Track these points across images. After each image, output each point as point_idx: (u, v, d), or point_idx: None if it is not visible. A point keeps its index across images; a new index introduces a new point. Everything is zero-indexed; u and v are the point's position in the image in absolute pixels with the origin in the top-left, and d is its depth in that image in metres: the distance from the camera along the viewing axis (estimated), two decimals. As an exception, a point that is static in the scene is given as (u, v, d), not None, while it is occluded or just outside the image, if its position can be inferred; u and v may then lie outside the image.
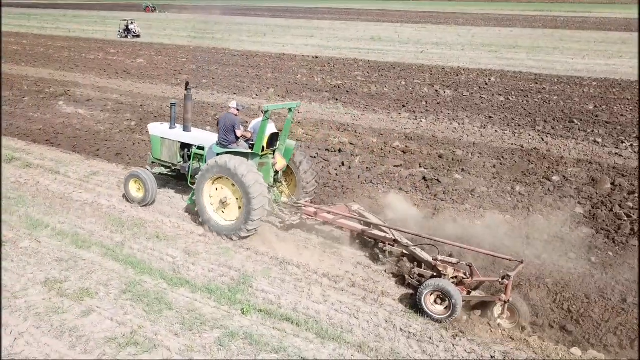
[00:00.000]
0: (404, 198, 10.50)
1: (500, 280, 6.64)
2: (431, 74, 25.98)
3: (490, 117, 17.48)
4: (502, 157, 13.24)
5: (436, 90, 21.88)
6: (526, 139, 14.98)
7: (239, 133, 9.14)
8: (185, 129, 10.33)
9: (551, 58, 33.31)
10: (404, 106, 19.14)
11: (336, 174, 12.00)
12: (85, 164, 12.56)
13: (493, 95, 21.08)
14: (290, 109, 9.48)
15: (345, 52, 35.31)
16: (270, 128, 9.15)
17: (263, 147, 8.95)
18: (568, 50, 37.56)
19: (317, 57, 31.99)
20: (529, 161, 12.93)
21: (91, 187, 11.14)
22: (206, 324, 6.55)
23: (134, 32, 44.38)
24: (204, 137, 10.17)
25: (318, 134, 15.30)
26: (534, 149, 13.94)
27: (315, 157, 13.05)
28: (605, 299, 7.20)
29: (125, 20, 46.01)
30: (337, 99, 20.39)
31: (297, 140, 13.27)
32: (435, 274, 7.12)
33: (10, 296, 6.99)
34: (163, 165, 10.67)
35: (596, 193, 10.84)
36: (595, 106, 18.97)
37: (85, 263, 7.91)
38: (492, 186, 11.21)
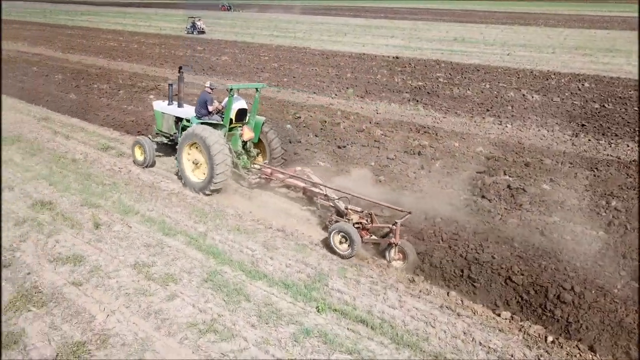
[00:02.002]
0: (488, 205, 10.10)
1: (390, 226, 8.22)
2: (518, 78, 24.83)
3: (583, 125, 16.41)
4: (596, 168, 12.38)
5: (523, 95, 20.88)
6: (624, 151, 13.92)
7: (210, 108, 10.96)
8: (179, 105, 12.11)
9: (654, 63, 30.74)
10: (488, 110, 18.44)
11: (415, 177, 11.76)
12: (173, 156, 13.16)
13: (587, 101, 19.78)
14: (257, 89, 11.49)
15: (427, 53, 34.62)
16: (239, 104, 11.01)
17: (232, 120, 10.87)
18: (674, 56, 34.50)
19: (397, 58, 31.60)
20: (627, 174, 12.00)
21: (177, 178, 11.67)
22: (282, 318, 6.65)
23: (199, 28, 47.51)
24: (193, 112, 11.52)
25: (397, 136, 15.09)
26: (633, 161, 12.92)
27: (393, 159, 12.90)
28: None
29: (193, 17, 49.41)
30: (417, 101, 20.02)
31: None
32: (345, 220, 8.65)
33: (104, 275, 7.48)
34: (164, 136, 12.62)
35: None
36: None
37: (170, 250, 8.30)
38: (584, 199, 10.51)
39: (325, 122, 16.56)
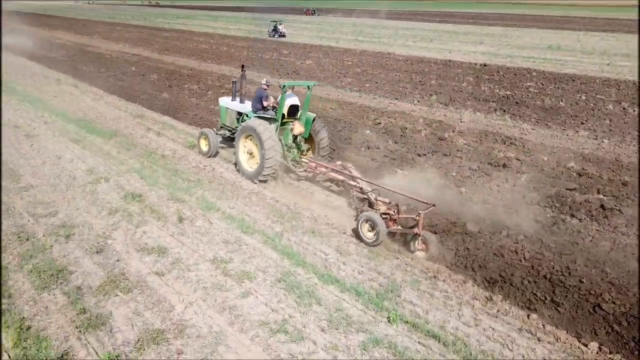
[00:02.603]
0: (577, 225, 9.46)
1: (414, 217, 8.59)
2: (618, 89, 23.06)
3: (692, 143, 14.94)
4: None
5: (624, 108, 19.36)
6: None
7: (265, 103, 11.88)
8: (241, 101, 12.96)
9: None
10: (582, 123, 17.29)
11: (498, 191, 11.27)
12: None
13: (697, 118, 17.99)
14: (308, 87, 11.97)
15: (517, 61, 33.13)
16: (291, 100, 11.61)
17: (284, 115, 11.59)
18: None
19: (485, 65, 30.52)
20: None
21: (235, 168, 11.94)
22: (352, 325, 6.60)
23: (280, 32, 49.46)
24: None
25: (481, 146, 14.55)
26: None
27: (475, 170, 12.45)
28: None
29: (275, 21, 51.29)
30: (504, 110, 19.19)
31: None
32: (374, 210, 9.14)
33: (184, 268, 7.83)
34: (227, 129, 13.53)
35: None
36: None
37: (247, 248, 8.53)
38: (689, 225, 9.54)
39: (406, 129, 16.32)
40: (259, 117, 11.65)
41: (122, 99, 20.81)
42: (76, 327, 6.39)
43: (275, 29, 49.89)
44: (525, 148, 14.46)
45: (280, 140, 11.48)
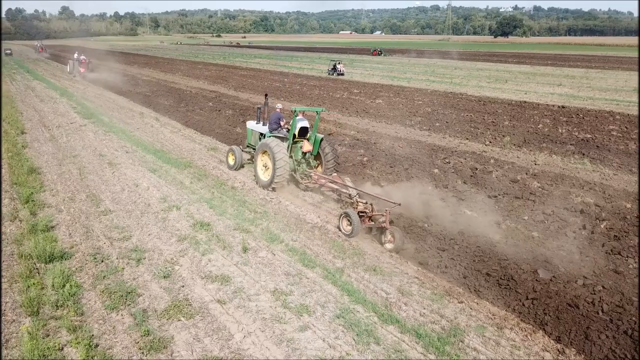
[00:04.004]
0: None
1: (382, 213, 10.48)
2: None
3: None
4: None
5: None
6: None
7: (282, 122, 14.09)
8: (264, 124, 14.84)
9: None
10: (671, 170, 16.06)
11: (574, 237, 10.61)
12: (319, 191, 13.66)
13: None
14: (317, 112, 13.96)
15: (598, 104, 31.62)
16: (302, 123, 13.43)
17: (295, 135, 13.45)
18: None
19: (563, 107, 29.36)
20: None
21: (322, 213, 12.06)
22: (411, 369, 6.34)
23: (339, 71, 51.83)
24: None
25: (556, 190, 13.85)
26: None
27: (550, 215, 11.83)
28: None
29: (334, 61, 54.60)
30: (583, 154, 18.25)
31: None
32: (352, 208, 10.98)
33: (245, 297, 7.92)
34: (252, 147, 15.37)
35: None
36: None
37: (308, 281, 8.52)
38: None
39: (476, 169, 15.90)
40: (275, 137, 13.65)
41: (198, 132, 21.89)
42: (139, 349, 6.59)
43: (334, 68, 52.39)
44: (606, 194, 13.60)
45: (291, 156, 13.52)
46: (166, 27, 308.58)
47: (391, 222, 10.50)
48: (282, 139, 13.68)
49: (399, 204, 10.61)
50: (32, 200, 11.99)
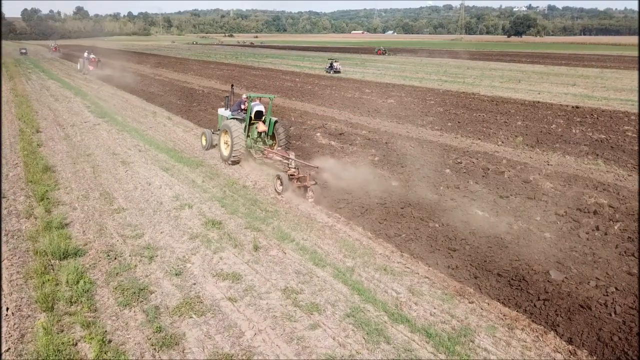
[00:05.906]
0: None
1: (305, 175, 13.14)
2: None
3: None
4: None
5: None
6: None
7: (243, 106, 16.43)
8: (230, 110, 16.86)
9: None
10: (687, 171, 15.84)
11: (587, 239, 10.52)
12: (328, 192, 13.66)
13: None
14: (270, 98, 16.48)
15: (613, 104, 31.26)
16: (257, 107, 15.70)
17: (251, 118, 15.79)
18: None
19: (577, 107, 29.08)
20: None
21: (333, 213, 12.08)
22: (421, 368, 6.35)
23: (335, 69, 53.46)
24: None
25: (569, 191, 13.73)
26: None
27: (562, 216, 11.74)
28: None
29: (331, 59, 56.82)
30: (597, 155, 18.07)
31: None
32: (284, 171, 13.53)
33: (256, 295, 7.98)
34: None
35: None
36: None
37: (318, 280, 8.55)
38: None
39: (488, 169, 15.81)
40: (234, 119, 16.07)
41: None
42: (151, 345, 6.67)
43: (331, 66, 54.28)
44: (620, 195, 13.45)
45: (249, 135, 15.96)
46: (179, 27, 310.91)
47: (315, 183, 13.03)
48: (241, 120, 15.95)
49: (317, 167, 13.84)
50: (47, 198, 12.18)
